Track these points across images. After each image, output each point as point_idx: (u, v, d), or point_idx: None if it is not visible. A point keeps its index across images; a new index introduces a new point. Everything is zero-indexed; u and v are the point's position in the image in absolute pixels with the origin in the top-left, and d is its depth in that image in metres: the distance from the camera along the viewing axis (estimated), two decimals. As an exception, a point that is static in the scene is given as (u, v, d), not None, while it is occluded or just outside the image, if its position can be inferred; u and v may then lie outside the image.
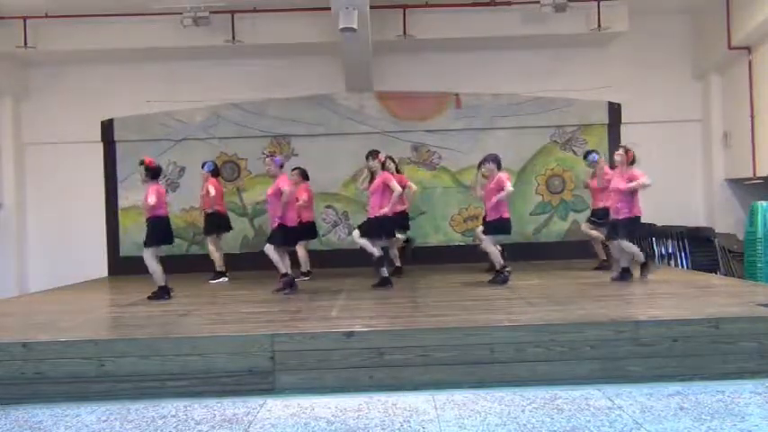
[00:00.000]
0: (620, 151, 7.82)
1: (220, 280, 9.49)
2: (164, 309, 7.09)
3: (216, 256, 9.58)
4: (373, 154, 8.14)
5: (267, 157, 8.39)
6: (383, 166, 8.21)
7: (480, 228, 8.53)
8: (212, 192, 9.38)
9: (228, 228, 9.89)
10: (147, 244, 7.66)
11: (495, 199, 7.88)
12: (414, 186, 9.32)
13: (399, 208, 8.58)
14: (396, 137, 11.21)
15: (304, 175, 9.56)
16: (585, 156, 9.47)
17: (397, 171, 9.10)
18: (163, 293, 7.69)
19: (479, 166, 8.39)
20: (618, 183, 7.68)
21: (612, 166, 8.28)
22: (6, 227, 11.22)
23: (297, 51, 11.00)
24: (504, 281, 7.96)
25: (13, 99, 11.31)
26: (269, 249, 7.80)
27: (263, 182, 10.38)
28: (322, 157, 11.05)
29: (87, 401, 4.99)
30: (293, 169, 9.51)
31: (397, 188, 7.97)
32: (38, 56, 10.99)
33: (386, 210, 7.91)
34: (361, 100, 11.36)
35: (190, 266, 10.41)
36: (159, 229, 7.70)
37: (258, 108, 11.36)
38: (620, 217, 7.66)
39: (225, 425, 4.42)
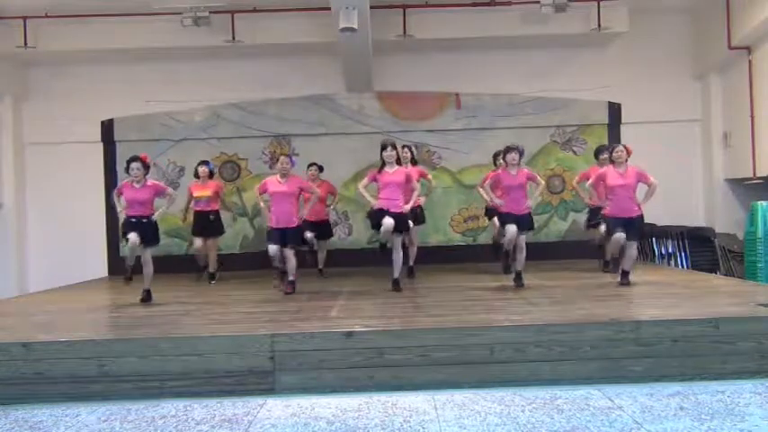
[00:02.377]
0: (620, 148, 7.58)
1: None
2: (164, 309, 7.10)
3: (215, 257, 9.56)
4: (392, 144, 7.74)
5: (283, 155, 8.09)
6: (398, 160, 8.00)
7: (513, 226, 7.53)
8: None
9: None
10: (153, 243, 7.52)
11: (538, 192, 7.66)
12: (432, 179, 9.17)
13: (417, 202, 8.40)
14: (396, 137, 11.11)
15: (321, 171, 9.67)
16: (598, 153, 9.06)
17: (413, 162, 8.91)
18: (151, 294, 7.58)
19: (502, 156, 7.83)
20: (623, 180, 7.41)
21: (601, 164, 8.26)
22: (6, 227, 11.21)
23: (297, 51, 11.00)
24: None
25: (13, 99, 11.31)
26: (291, 253, 7.63)
27: (262, 182, 10.38)
28: (322, 158, 11.00)
29: (87, 401, 4.99)
30: (310, 165, 9.56)
31: (417, 186, 7.95)
32: (38, 56, 10.98)
33: (407, 207, 7.59)
34: (361, 100, 11.36)
35: (190, 266, 10.39)
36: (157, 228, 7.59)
37: (258, 108, 11.36)
38: (634, 216, 7.41)
39: (225, 425, 4.42)
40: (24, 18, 10.44)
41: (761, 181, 10.27)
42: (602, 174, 7.73)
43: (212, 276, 9.46)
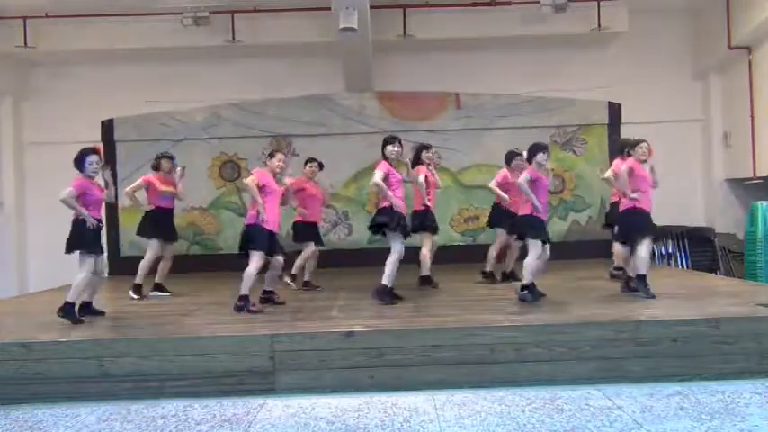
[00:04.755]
0: (645, 145, 6.83)
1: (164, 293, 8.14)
2: (164, 309, 7.10)
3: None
4: (399, 140, 7.23)
5: (279, 153, 6.95)
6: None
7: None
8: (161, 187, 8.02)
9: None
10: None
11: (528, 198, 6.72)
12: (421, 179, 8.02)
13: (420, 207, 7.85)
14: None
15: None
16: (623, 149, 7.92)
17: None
18: (72, 311, 6.30)
19: (529, 155, 6.89)
20: (648, 177, 6.82)
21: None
22: (6, 227, 11.23)
23: (297, 51, 11.01)
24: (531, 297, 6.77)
25: (14, 99, 11.34)
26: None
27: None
28: (322, 158, 10.83)
29: (87, 401, 4.99)
30: (310, 160, 8.66)
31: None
32: (38, 56, 11.00)
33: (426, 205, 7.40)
34: (361, 100, 11.36)
35: (190, 266, 10.39)
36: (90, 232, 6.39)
37: (258, 108, 11.37)
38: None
39: (225, 425, 4.43)
40: (24, 18, 10.45)
41: (761, 181, 10.28)
42: (634, 164, 6.79)
43: (162, 288, 8.17)
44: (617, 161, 7.59)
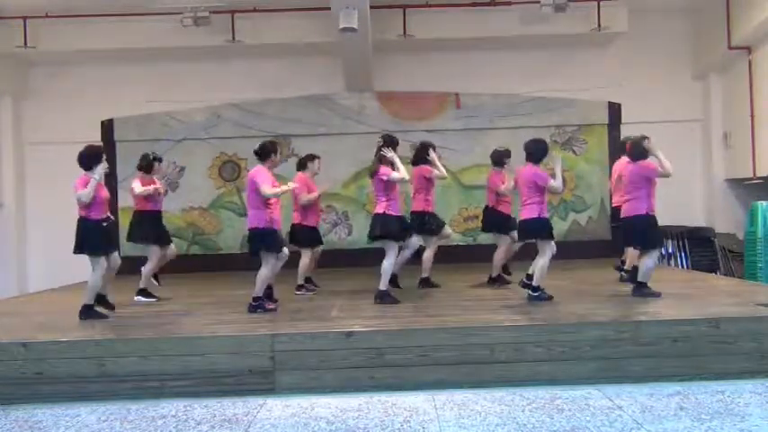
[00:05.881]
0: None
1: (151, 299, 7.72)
2: (164, 309, 7.10)
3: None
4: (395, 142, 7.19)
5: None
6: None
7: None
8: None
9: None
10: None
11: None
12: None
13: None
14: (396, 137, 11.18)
15: None
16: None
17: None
18: (93, 312, 6.38)
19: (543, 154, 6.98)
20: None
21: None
22: (6, 227, 11.24)
23: (297, 51, 11.01)
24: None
25: (13, 99, 11.35)
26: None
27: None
28: (322, 157, 11.02)
29: (87, 401, 4.99)
30: (316, 157, 8.59)
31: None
32: (38, 56, 11.01)
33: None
34: (361, 100, 11.36)
35: (190, 266, 10.38)
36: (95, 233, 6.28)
37: (258, 108, 11.37)
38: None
39: (225, 425, 4.43)
40: (24, 18, 10.46)
41: (761, 181, 10.28)
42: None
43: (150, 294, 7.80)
44: (625, 160, 7.29)
